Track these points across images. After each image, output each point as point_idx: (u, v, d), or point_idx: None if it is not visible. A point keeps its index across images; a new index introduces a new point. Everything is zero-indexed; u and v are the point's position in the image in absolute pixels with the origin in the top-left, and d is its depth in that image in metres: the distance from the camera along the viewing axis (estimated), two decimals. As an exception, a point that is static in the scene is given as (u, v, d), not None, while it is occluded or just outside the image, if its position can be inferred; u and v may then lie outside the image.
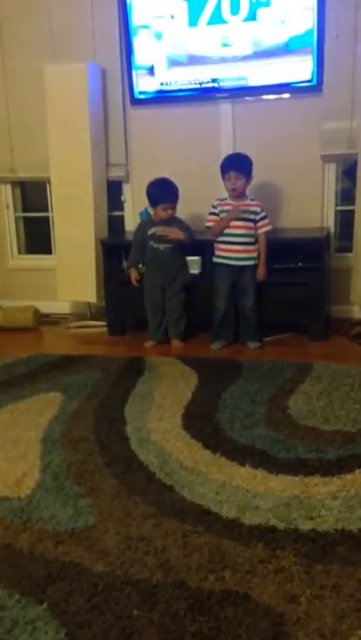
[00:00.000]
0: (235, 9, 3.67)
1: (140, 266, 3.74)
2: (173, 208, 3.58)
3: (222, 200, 3.54)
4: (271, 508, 1.87)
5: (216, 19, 3.71)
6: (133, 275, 3.70)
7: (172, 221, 3.61)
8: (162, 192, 3.56)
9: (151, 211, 3.69)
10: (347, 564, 1.60)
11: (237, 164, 3.46)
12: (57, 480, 2.11)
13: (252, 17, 3.66)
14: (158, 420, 2.56)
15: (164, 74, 3.91)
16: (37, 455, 2.30)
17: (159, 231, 3.57)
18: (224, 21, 3.70)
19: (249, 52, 3.73)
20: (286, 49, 3.67)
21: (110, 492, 2.01)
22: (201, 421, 2.53)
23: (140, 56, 3.92)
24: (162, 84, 3.93)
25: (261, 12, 3.64)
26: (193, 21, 3.76)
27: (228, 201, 3.52)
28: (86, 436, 2.44)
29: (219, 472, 2.11)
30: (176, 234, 3.57)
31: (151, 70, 3.91)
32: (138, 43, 3.90)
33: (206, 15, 3.73)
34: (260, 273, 3.52)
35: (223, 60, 3.78)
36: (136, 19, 3.85)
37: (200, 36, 3.78)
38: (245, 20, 3.67)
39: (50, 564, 1.65)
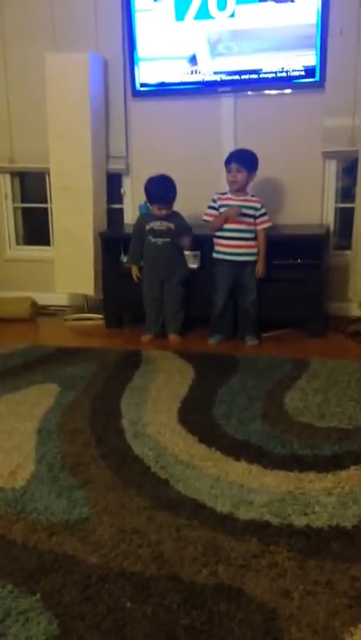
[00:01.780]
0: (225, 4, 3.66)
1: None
2: (168, 208, 3.56)
3: (223, 194, 3.53)
4: (266, 503, 1.87)
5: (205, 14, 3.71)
6: (134, 271, 3.70)
7: (172, 217, 3.59)
8: (159, 193, 3.54)
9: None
10: (340, 560, 1.60)
11: (240, 157, 3.45)
12: (52, 471, 2.10)
13: (254, 11, 3.64)
14: (154, 414, 2.55)
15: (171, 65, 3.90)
16: (32, 446, 2.30)
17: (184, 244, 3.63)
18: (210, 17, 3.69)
19: (253, 46, 3.71)
20: (290, 44, 3.66)
21: (105, 484, 2.01)
22: (197, 416, 2.53)
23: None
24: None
25: (264, 7, 3.62)
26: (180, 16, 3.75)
27: (229, 195, 3.51)
28: (82, 428, 2.43)
29: (214, 466, 2.11)
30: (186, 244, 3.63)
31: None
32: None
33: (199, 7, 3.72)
34: (259, 269, 3.51)
35: (226, 54, 3.77)
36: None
37: (206, 30, 3.77)
38: (230, 15, 3.65)
39: (43, 556, 1.65)
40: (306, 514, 1.81)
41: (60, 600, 1.48)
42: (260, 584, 1.52)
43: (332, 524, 1.75)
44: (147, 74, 3.95)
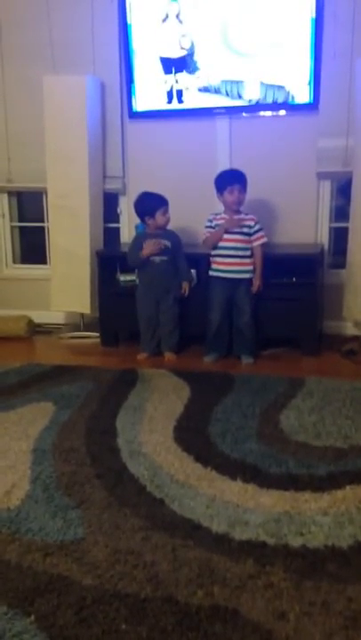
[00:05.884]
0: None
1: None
2: (168, 211, 3.59)
3: (217, 215, 3.56)
4: (261, 523, 1.87)
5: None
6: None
7: (169, 235, 3.62)
8: (155, 199, 3.58)
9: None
10: (336, 580, 1.60)
11: (243, 179, 3.50)
12: (47, 491, 2.09)
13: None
14: (150, 433, 2.55)
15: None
16: (27, 466, 2.29)
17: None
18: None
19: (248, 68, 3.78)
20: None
21: (100, 504, 2.00)
22: (192, 434, 2.53)
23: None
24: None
25: (258, 37, 3.69)
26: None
27: (223, 215, 3.54)
28: (77, 448, 2.43)
29: (209, 486, 2.11)
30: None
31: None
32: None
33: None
34: (256, 285, 3.53)
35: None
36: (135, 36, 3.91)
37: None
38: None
39: (38, 577, 1.64)
40: (302, 534, 1.81)
41: (54, 622, 1.47)
42: (256, 605, 1.51)
43: (328, 545, 1.75)
44: (143, 96, 4.00)
